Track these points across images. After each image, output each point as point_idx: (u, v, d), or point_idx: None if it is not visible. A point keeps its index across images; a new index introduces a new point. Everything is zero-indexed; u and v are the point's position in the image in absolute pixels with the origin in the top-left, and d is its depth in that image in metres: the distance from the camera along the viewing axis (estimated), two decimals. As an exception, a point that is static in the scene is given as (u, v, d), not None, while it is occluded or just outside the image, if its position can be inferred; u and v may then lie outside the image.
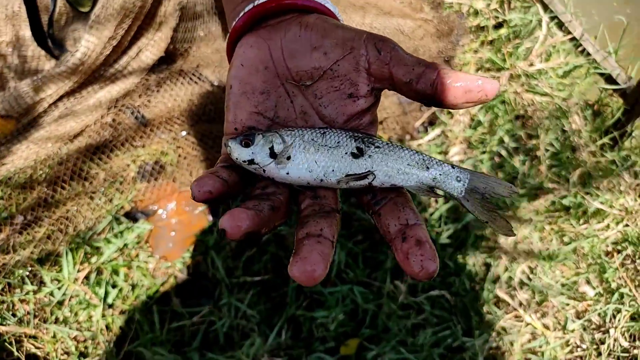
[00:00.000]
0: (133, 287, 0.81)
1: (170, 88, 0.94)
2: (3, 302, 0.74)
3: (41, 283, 0.79)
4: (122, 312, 0.78)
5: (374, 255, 0.93)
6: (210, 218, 0.89)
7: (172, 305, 0.81)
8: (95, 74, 0.85)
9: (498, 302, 0.93)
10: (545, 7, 1.28)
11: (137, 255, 0.84)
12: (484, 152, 1.10)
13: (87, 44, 0.79)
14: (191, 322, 0.80)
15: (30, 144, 0.88)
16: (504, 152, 1.10)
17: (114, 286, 0.80)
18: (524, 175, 1.09)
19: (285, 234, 0.91)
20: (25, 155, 0.87)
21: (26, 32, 0.92)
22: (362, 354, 0.83)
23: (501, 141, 1.12)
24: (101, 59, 0.80)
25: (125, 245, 0.84)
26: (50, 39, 0.92)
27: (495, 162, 1.10)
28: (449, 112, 1.15)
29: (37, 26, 0.90)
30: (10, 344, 0.72)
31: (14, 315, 0.74)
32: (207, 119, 0.95)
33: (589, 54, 1.20)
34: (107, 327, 0.78)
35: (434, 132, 1.10)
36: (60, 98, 0.87)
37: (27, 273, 0.77)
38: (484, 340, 0.87)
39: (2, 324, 0.72)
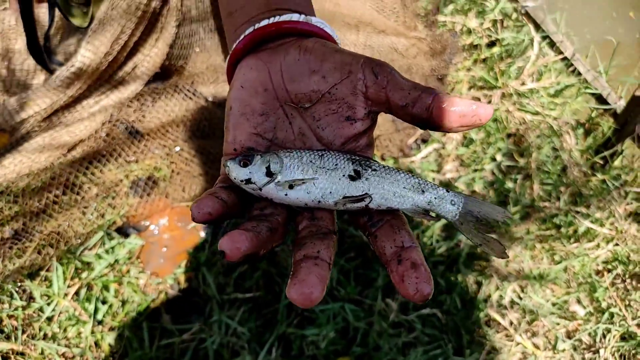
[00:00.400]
0: (123, 303, 0.81)
1: (165, 104, 0.95)
2: (-9, 318, 0.73)
3: (30, 298, 0.78)
4: (111, 329, 0.78)
5: (365, 273, 0.93)
6: (202, 234, 0.89)
7: (163, 322, 0.80)
8: (91, 89, 0.86)
9: (489, 321, 0.93)
10: (537, 27, 1.30)
11: (128, 271, 0.84)
12: (476, 170, 1.11)
13: (83, 59, 0.80)
14: (181, 340, 0.80)
15: (23, 157, 0.88)
16: (496, 170, 1.11)
17: (104, 302, 0.80)
18: (515, 193, 1.10)
19: (277, 251, 0.91)
20: (18, 169, 0.87)
21: (21, 46, 0.92)
22: (352, 373, 0.83)
23: (493, 159, 1.13)
24: (97, 74, 0.81)
25: (117, 260, 0.83)
26: (46, 53, 0.93)
27: (487, 180, 1.11)
28: (442, 130, 1.16)
29: (34, 40, 0.91)
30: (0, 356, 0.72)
31: (1, 331, 0.74)
32: (201, 135, 0.96)
33: (579, 74, 1.22)
34: (96, 343, 0.77)
35: (427, 150, 1.11)
36: (55, 112, 0.88)
37: (17, 288, 0.77)
38: (475, 359, 0.87)
39: (-10, 341, 0.72)
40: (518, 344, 0.89)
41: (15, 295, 0.77)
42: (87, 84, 0.82)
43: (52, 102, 0.85)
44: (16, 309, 0.75)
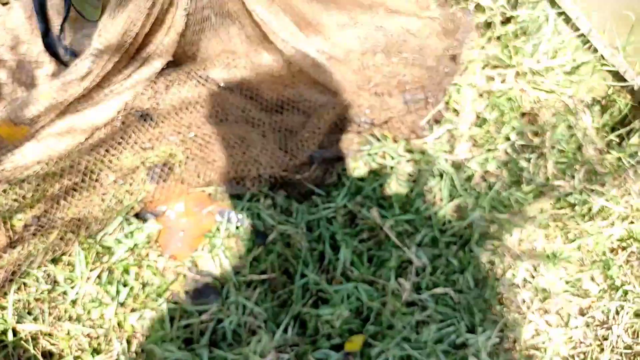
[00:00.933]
0: (144, 285, 0.84)
1: (178, 90, 0.96)
2: (19, 300, 0.77)
3: (54, 282, 0.82)
4: (133, 310, 0.81)
5: (378, 254, 0.94)
6: (218, 218, 0.91)
7: (182, 304, 0.83)
8: (105, 79, 0.87)
9: (501, 299, 0.94)
10: (553, 3, 1.27)
11: (147, 255, 0.87)
12: (489, 150, 1.10)
13: (95, 51, 0.82)
14: (200, 320, 0.82)
15: (42, 146, 0.91)
16: (509, 150, 1.10)
17: (125, 285, 0.83)
18: (529, 172, 1.09)
19: (291, 234, 0.93)
20: (38, 157, 0.89)
21: (35, 37, 0.94)
22: (366, 351, 0.85)
23: (507, 139, 1.12)
24: (109, 65, 0.82)
25: (136, 245, 0.86)
26: (60, 45, 0.95)
27: (501, 159, 1.10)
28: (455, 110, 1.15)
29: (47, 32, 0.93)
30: (27, 341, 0.75)
31: (29, 313, 0.77)
32: (214, 121, 0.97)
33: (596, 50, 1.19)
34: (119, 324, 0.81)
35: (440, 131, 1.11)
36: (72, 102, 0.90)
37: (42, 273, 0.80)
38: (487, 337, 0.88)
39: (19, 322, 0.75)
40: (530, 321, 0.90)
41: (41, 279, 0.80)
42: (101, 75, 0.84)
43: (68, 95, 0.87)
44: (42, 292, 0.79)
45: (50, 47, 0.93)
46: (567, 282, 0.97)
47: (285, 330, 0.84)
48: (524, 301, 0.91)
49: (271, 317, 0.86)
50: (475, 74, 1.18)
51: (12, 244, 0.75)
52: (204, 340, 0.80)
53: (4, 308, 0.76)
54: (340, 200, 0.97)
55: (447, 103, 1.15)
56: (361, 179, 1.01)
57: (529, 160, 1.10)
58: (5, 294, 0.74)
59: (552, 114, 1.16)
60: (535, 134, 1.15)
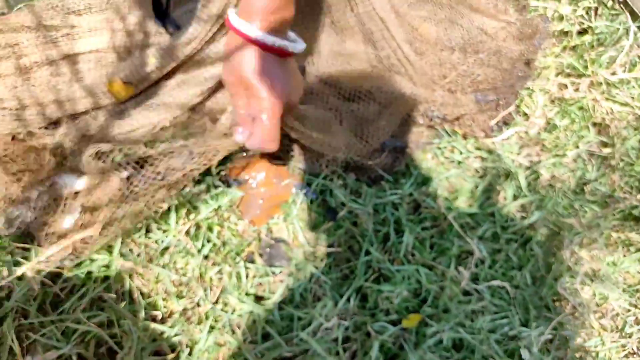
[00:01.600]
0: (224, 244, 0.92)
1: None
2: (123, 241, 0.87)
3: (147, 231, 0.91)
4: (214, 264, 0.89)
5: (440, 242, 0.99)
6: (294, 190, 0.98)
7: (256, 263, 0.91)
8: (201, 54, 0.97)
9: (557, 300, 0.96)
10: (635, 16, 1.27)
11: (228, 217, 0.95)
12: (557, 156, 1.12)
13: (199, 21, 0.91)
14: (272, 280, 0.90)
15: (143, 110, 1.01)
16: (577, 158, 1.12)
17: (208, 241, 0.91)
18: (596, 182, 1.10)
19: (359, 214, 0.99)
20: (140, 122, 1.00)
21: (149, 10, 1.04)
22: (422, 329, 0.90)
23: (576, 146, 1.14)
24: (210, 35, 0.91)
25: (220, 207, 0.95)
26: (167, 17, 1.05)
27: (568, 167, 1.12)
28: (525, 114, 1.18)
29: (158, 4, 1.03)
30: (124, 277, 0.85)
31: (131, 251, 0.87)
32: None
33: (677, 67, 1.19)
34: (201, 275, 0.89)
35: (508, 132, 1.14)
36: (173, 71, 1.00)
37: (140, 225, 0.90)
38: (539, 332, 0.91)
39: (124, 259, 0.85)
40: (584, 322, 0.92)
41: (138, 229, 0.90)
42: (204, 41, 0.92)
43: (173, 62, 0.97)
44: (140, 237, 0.88)
45: (157, 17, 1.03)
46: (624, 291, 0.98)
47: (347, 300, 0.90)
48: (580, 303, 0.93)
49: (335, 287, 0.92)
50: (549, 80, 1.21)
51: (126, 199, 0.84)
52: (274, 298, 0.88)
53: (110, 245, 0.86)
54: (407, 188, 1.03)
55: (517, 106, 1.17)
56: (428, 170, 1.06)
57: (596, 169, 1.11)
58: (116, 236, 0.84)
59: (623, 127, 1.17)
60: (605, 145, 1.16)
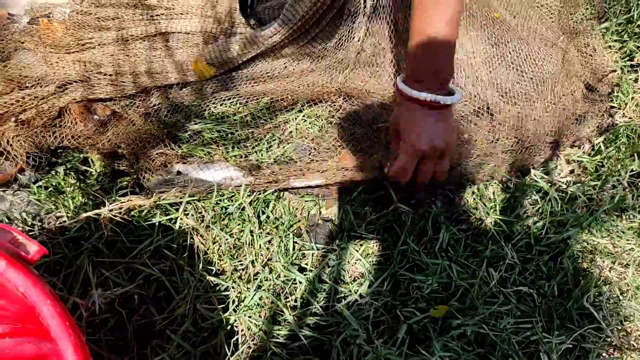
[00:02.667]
0: (277, 218, 1.02)
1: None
2: (189, 202, 0.98)
3: (219, 195, 1.02)
4: (267, 234, 0.99)
5: (474, 244, 1.05)
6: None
7: (303, 238, 1.00)
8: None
9: (582, 313, 1.01)
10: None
11: (283, 195, 1.05)
12: (597, 180, 1.16)
13: (283, 17, 1.01)
14: (316, 254, 0.99)
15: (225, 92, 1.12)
16: (618, 184, 1.16)
17: (263, 213, 1.01)
18: (633, 210, 1.14)
19: (401, 207, 1.06)
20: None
21: (236, 2, 1.16)
22: (448, 321, 0.97)
23: (618, 173, 1.17)
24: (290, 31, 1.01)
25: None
26: (252, 11, 1.16)
27: (609, 191, 1.16)
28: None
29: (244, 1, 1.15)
30: (186, 233, 0.96)
31: (191, 214, 0.98)
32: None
33: None
34: (252, 243, 0.99)
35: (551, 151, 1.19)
36: (253, 59, 1.10)
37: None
38: (561, 341, 0.96)
39: (187, 216, 0.96)
40: (607, 338, 0.96)
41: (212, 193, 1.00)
42: (285, 38, 1.03)
43: (252, 51, 1.08)
44: (207, 199, 0.99)
45: (242, 10, 1.14)
46: (650, 316, 1.01)
47: (381, 284, 0.98)
48: (604, 318, 0.97)
49: (372, 271, 1.00)
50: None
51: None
52: (316, 271, 0.96)
53: (179, 204, 0.97)
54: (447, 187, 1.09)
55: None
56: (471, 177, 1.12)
57: (636, 197, 1.14)
58: (185, 194, 0.96)
59: (670, 161, 1.19)
60: (649, 176, 1.19)
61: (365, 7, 1.04)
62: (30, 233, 0.94)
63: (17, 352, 0.82)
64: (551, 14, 1.27)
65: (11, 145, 0.98)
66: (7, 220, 0.96)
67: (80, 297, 0.89)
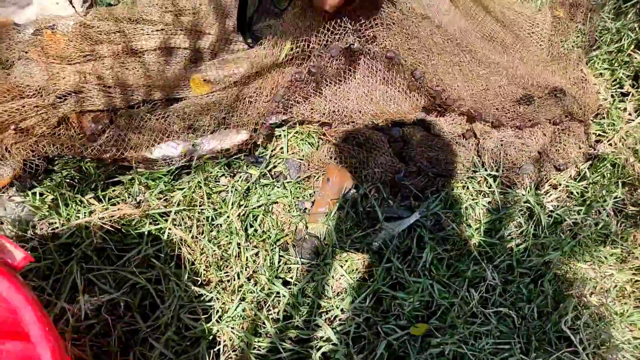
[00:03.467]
0: (264, 232, 1.04)
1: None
2: (177, 212, 1.00)
3: (202, 210, 1.04)
4: (254, 247, 1.01)
5: (456, 264, 1.07)
6: (341, 195, 1.09)
7: (289, 252, 1.02)
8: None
9: (561, 336, 1.02)
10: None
11: (272, 210, 1.07)
12: (582, 205, 1.18)
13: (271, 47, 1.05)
14: (301, 269, 1.01)
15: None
16: (603, 211, 1.18)
17: (251, 226, 1.04)
18: (617, 236, 1.16)
19: (387, 225, 1.08)
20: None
21: (234, 21, 1.19)
22: (427, 339, 0.98)
23: (603, 200, 1.19)
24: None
25: (268, 200, 1.07)
26: (249, 29, 1.20)
27: (592, 217, 1.18)
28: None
29: (242, 17, 1.18)
30: (174, 243, 0.98)
31: (180, 224, 1.01)
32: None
33: None
34: (239, 255, 1.01)
35: (538, 175, 1.21)
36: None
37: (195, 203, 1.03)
38: (538, 363, 0.97)
39: (176, 227, 0.99)
40: (583, 362, 0.98)
41: (202, 202, 1.03)
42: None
43: (245, 72, 1.11)
44: (194, 211, 1.02)
45: (240, 28, 1.18)
46: (629, 343, 1.03)
47: (364, 300, 1.00)
48: (581, 341, 0.99)
49: (355, 287, 1.02)
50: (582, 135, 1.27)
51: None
52: (300, 284, 0.98)
53: (167, 214, 1.00)
54: (432, 207, 1.12)
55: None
56: (457, 197, 1.15)
57: (619, 224, 1.16)
58: (171, 204, 0.98)
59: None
60: (633, 204, 1.21)
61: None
62: (23, 238, 0.96)
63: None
64: (541, 41, 1.30)
65: (9, 152, 1.01)
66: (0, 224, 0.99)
67: (68, 303, 0.91)
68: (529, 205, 1.15)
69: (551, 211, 1.17)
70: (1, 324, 0.75)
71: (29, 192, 1.01)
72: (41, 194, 1.02)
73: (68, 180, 1.05)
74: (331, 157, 1.14)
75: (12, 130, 1.02)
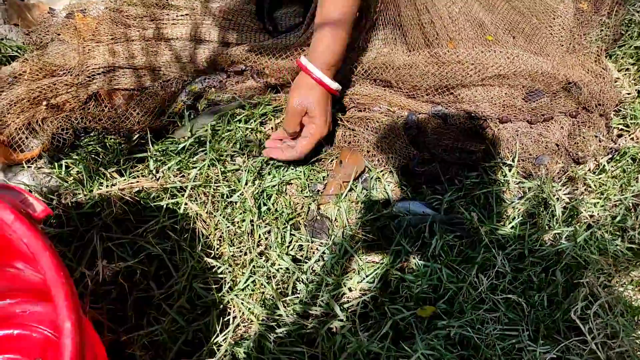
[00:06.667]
0: (276, 210, 1.07)
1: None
2: (194, 187, 1.04)
3: (217, 185, 1.08)
4: (266, 224, 1.04)
5: (467, 251, 1.07)
6: (353, 178, 1.11)
7: (301, 231, 1.05)
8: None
9: (570, 325, 1.01)
10: None
11: (285, 190, 1.10)
12: (600, 198, 1.17)
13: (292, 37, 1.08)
14: (311, 247, 1.03)
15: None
16: (621, 205, 1.16)
17: (264, 205, 1.06)
18: (633, 230, 1.14)
19: (399, 210, 1.10)
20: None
21: (253, 7, 1.23)
22: (433, 321, 0.99)
23: (622, 193, 1.17)
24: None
25: (282, 180, 1.10)
26: (268, 17, 1.23)
27: (608, 211, 1.16)
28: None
29: (261, 3, 1.22)
30: (190, 217, 1.02)
31: (196, 199, 1.04)
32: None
33: None
34: (252, 232, 1.04)
35: (556, 167, 1.20)
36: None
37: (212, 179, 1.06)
38: (546, 351, 0.97)
39: (192, 202, 1.02)
40: (592, 352, 0.96)
41: (216, 180, 1.07)
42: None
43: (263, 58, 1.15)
44: (211, 188, 1.05)
45: (259, 15, 1.22)
46: (637, 338, 1.01)
47: (372, 280, 1.01)
48: (590, 331, 0.97)
49: (363, 268, 1.03)
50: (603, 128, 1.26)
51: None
52: (309, 263, 1.01)
53: (184, 189, 1.03)
54: (447, 197, 1.12)
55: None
56: (471, 185, 1.15)
57: (638, 219, 1.14)
58: (187, 179, 1.02)
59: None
60: (653, 198, 1.18)
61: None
62: (49, 206, 1.01)
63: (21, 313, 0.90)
64: (563, 30, 1.29)
65: (40, 126, 1.06)
66: (29, 194, 1.04)
67: (87, 269, 0.96)
68: (544, 196, 1.14)
69: (567, 203, 1.16)
70: (33, 286, 0.81)
71: (56, 164, 1.07)
72: (67, 167, 1.08)
73: (93, 155, 1.10)
74: (345, 141, 1.16)
75: (43, 105, 1.08)
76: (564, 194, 1.19)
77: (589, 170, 1.24)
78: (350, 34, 1.03)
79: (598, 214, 1.16)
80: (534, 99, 1.23)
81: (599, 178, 1.21)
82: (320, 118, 1.02)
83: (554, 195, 1.15)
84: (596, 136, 1.25)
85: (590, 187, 1.20)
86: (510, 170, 1.18)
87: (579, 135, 1.25)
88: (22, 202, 0.63)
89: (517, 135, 1.20)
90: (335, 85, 1.03)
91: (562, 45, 1.32)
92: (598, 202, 1.16)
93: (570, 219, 1.15)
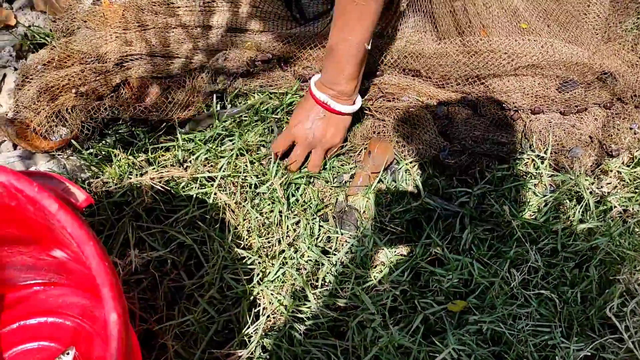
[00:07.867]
0: (305, 201, 1.06)
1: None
2: (223, 177, 1.03)
3: (246, 175, 1.07)
4: (295, 215, 1.03)
5: (498, 245, 1.05)
6: (382, 169, 1.09)
7: (329, 223, 1.04)
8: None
9: (605, 323, 0.99)
10: None
11: (312, 182, 1.09)
12: (634, 192, 1.14)
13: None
14: (340, 239, 1.02)
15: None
16: (655, 197, 1.13)
17: (293, 195, 1.05)
18: (671, 225, 1.11)
19: (429, 202, 1.08)
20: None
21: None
22: (464, 316, 0.98)
23: (656, 187, 1.14)
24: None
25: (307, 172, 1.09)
26: (296, 4, 1.21)
27: (643, 204, 1.14)
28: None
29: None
30: (219, 207, 1.02)
31: (225, 189, 1.04)
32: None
33: None
34: (280, 223, 1.03)
35: (589, 160, 1.17)
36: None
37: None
38: (579, 348, 0.95)
39: (221, 192, 1.02)
40: (629, 350, 0.95)
41: (246, 171, 1.06)
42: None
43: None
44: (238, 178, 1.04)
45: (286, 2, 1.19)
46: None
47: (402, 273, 1.00)
48: (627, 329, 0.96)
49: (393, 261, 1.02)
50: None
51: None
52: (339, 255, 1.00)
53: (213, 179, 1.03)
54: (477, 189, 1.10)
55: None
56: (502, 178, 1.13)
57: (674, 212, 1.11)
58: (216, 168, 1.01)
59: None
60: (690, 193, 1.15)
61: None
62: (80, 195, 1.02)
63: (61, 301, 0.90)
64: (598, 18, 1.25)
65: (70, 113, 1.06)
66: (59, 182, 1.05)
67: (119, 257, 0.96)
68: (577, 189, 1.12)
69: (601, 197, 1.14)
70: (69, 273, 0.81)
71: (86, 152, 1.07)
72: (96, 155, 1.08)
73: (122, 144, 1.10)
74: (374, 132, 1.14)
75: (72, 93, 1.08)
76: (598, 188, 1.16)
77: (623, 163, 1.20)
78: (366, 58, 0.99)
79: (633, 208, 1.13)
80: (568, 90, 1.19)
81: (634, 172, 1.18)
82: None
83: (587, 189, 1.13)
84: (631, 128, 1.21)
85: (624, 180, 1.17)
86: (542, 163, 1.15)
87: (613, 127, 1.21)
88: (63, 190, 0.62)
89: (550, 126, 1.17)
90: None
91: (597, 34, 1.28)
92: (633, 197, 1.13)
93: (603, 214, 1.12)
